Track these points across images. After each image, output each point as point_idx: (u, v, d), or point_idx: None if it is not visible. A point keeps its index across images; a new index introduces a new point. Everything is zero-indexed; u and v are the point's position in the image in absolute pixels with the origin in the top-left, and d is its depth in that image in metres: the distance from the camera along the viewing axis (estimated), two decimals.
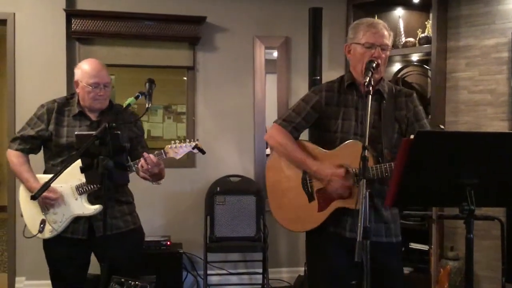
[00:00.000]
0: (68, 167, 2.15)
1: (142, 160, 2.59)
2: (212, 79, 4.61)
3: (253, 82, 4.67)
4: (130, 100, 2.60)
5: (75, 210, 2.69)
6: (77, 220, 2.71)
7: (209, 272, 4.28)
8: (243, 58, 4.66)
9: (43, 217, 2.73)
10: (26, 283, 4.23)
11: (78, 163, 2.47)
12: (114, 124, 2.20)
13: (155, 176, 2.68)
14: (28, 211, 2.80)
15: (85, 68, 2.76)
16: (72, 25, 4.24)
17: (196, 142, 2.66)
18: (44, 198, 2.65)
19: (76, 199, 2.69)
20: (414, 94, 2.49)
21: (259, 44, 4.67)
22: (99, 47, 4.38)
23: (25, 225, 2.83)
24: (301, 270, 4.55)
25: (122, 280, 2.24)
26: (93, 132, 2.27)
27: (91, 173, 2.29)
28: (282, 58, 4.74)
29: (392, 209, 2.44)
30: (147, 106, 2.67)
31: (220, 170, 4.48)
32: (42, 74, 4.24)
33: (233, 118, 4.64)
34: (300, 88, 4.65)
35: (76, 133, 2.65)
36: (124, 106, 2.60)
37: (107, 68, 2.81)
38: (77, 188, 2.69)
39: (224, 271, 4.53)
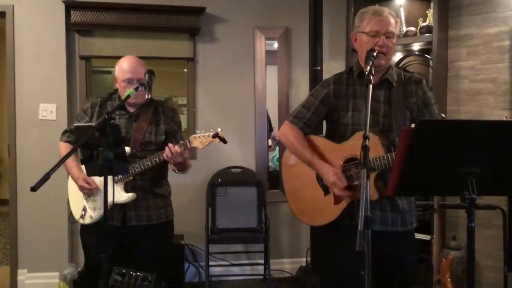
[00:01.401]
0: (67, 158, 2.14)
1: (166, 149, 2.67)
2: (212, 71, 4.59)
3: (253, 73, 4.65)
4: (130, 91, 2.61)
5: (109, 198, 2.75)
6: (113, 207, 2.78)
7: (211, 263, 4.29)
8: (244, 49, 4.63)
9: (85, 204, 2.86)
10: (28, 275, 4.25)
11: None
12: (112, 115, 2.20)
13: (179, 166, 2.79)
14: (73, 198, 2.95)
15: (122, 65, 2.87)
16: (72, 17, 4.22)
17: (217, 131, 2.68)
18: (80, 187, 2.81)
19: (112, 187, 2.74)
20: (424, 81, 2.47)
21: (259, 34, 4.64)
22: (99, 39, 4.36)
23: (70, 212, 2.97)
24: (303, 260, 4.56)
25: (124, 271, 2.24)
26: (92, 124, 2.27)
27: (91, 164, 2.30)
28: (282, 49, 4.71)
29: (408, 197, 2.44)
30: (147, 97, 2.68)
31: (221, 161, 4.47)
32: (42, 66, 4.23)
33: (234, 110, 4.63)
34: (301, 79, 4.64)
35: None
36: (123, 97, 2.61)
37: (143, 64, 2.88)
38: (113, 176, 2.75)
39: (226, 262, 4.54)
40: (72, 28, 4.29)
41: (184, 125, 4.64)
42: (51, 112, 4.22)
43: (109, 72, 6.69)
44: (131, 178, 2.78)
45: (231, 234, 4.25)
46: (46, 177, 1.91)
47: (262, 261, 4.46)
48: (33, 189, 1.88)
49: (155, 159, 2.73)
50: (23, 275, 4.26)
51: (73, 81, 4.35)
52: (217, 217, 4.28)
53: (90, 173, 2.58)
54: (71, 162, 2.84)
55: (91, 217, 2.83)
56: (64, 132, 2.98)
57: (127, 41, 4.40)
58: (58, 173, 2.04)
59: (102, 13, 4.24)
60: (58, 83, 4.25)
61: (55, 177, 2.02)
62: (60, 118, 4.22)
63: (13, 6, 4.18)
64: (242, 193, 4.36)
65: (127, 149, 2.78)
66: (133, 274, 2.23)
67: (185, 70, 4.63)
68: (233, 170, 4.49)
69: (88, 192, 2.82)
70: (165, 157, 2.70)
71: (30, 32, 4.22)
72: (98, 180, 2.78)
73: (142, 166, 2.75)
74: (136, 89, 2.62)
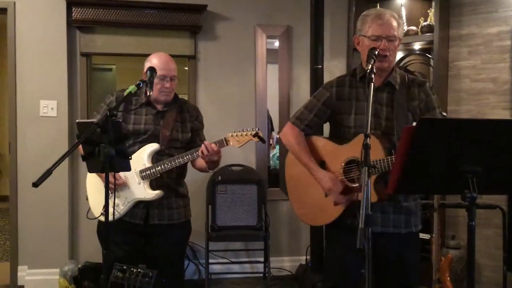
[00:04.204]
0: (69, 154, 2.14)
1: (202, 147, 2.66)
2: (213, 69, 4.59)
3: (254, 71, 4.65)
4: (132, 88, 2.60)
5: (137, 195, 2.77)
6: (136, 205, 2.79)
7: (210, 261, 4.30)
8: (245, 47, 4.63)
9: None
10: (28, 271, 4.25)
11: (146, 148, 2.66)
12: (115, 112, 2.20)
13: (213, 164, 2.76)
14: (93, 194, 2.90)
15: (153, 61, 2.83)
16: (73, 13, 4.22)
17: (257, 130, 2.68)
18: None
19: (139, 184, 2.77)
20: (427, 84, 2.47)
21: (261, 33, 4.64)
22: (100, 36, 4.36)
23: (89, 208, 2.92)
24: (303, 259, 4.56)
25: (125, 267, 2.24)
26: (94, 120, 2.28)
27: (93, 161, 2.29)
28: (283, 47, 4.71)
29: (414, 199, 2.45)
30: (148, 94, 2.68)
31: (222, 159, 4.45)
32: (43, 63, 4.23)
33: (235, 108, 4.63)
34: (302, 77, 4.64)
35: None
36: (125, 94, 2.61)
37: (174, 62, 2.88)
38: (141, 172, 2.76)
39: (225, 260, 4.55)
40: (73, 25, 4.28)
41: None
42: (52, 108, 4.22)
43: (110, 70, 6.72)
44: (159, 175, 2.76)
45: (231, 232, 4.26)
46: (48, 173, 1.90)
47: (262, 259, 4.47)
48: (35, 184, 1.88)
49: (188, 156, 2.72)
50: (23, 272, 4.26)
51: (73, 78, 4.35)
52: (217, 214, 4.28)
53: (91, 169, 2.57)
54: None
55: (113, 214, 2.81)
56: None
57: (128, 39, 4.40)
58: (59, 169, 2.04)
59: (104, 10, 4.24)
60: (59, 79, 4.25)
61: (56, 173, 2.02)
62: (60, 115, 4.23)
63: (14, 3, 4.18)
64: (242, 191, 4.36)
65: (156, 145, 2.78)
66: (134, 270, 2.23)
67: (186, 68, 4.63)
68: (233, 168, 4.49)
69: (117, 187, 2.75)
70: (200, 155, 2.67)
71: (31, 29, 4.22)
72: (124, 175, 2.76)
73: (173, 163, 2.73)
74: (138, 86, 2.61)
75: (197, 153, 2.70)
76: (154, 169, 2.76)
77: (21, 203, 4.23)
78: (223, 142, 2.69)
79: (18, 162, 4.23)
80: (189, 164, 2.96)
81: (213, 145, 2.66)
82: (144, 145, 2.81)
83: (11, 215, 4.29)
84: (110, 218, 2.75)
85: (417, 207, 2.48)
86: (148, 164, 2.77)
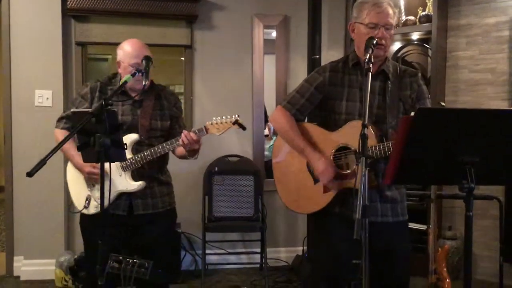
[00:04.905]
0: (64, 143, 2.12)
1: (182, 136, 2.61)
2: (210, 58, 4.56)
3: (251, 61, 4.62)
4: (127, 77, 2.57)
5: (119, 186, 2.73)
6: (119, 196, 2.75)
7: (207, 251, 4.29)
8: (242, 37, 4.60)
9: (89, 193, 2.77)
10: (24, 262, 4.24)
11: (125, 139, 2.60)
12: (110, 102, 2.17)
13: (193, 152, 2.71)
14: (75, 188, 2.85)
15: (127, 49, 2.76)
16: (68, 2, 4.17)
17: (237, 117, 2.63)
18: (88, 174, 2.71)
19: (120, 175, 2.73)
20: (419, 74, 2.48)
21: (258, 22, 4.61)
22: (95, 25, 4.32)
23: (71, 202, 2.88)
24: (299, 249, 4.57)
25: (120, 258, 2.23)
26: (89, 109, 2.25)
27: (88, 151, 2.27)
28: (280, 37, 4.68)
29: (399, 188, 2.44)
30: (144, 83, 2.65)
31: (218, 150, 4.45)
32: (38, 52, 4.19)
33: (231, 98, 4.60)
34: (299, 68, 4.62)
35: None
36: (120, 83, 2.58)
37: (148, 48, 2.80)
38: (122, 164, 2.72)
39: (222, 251, 4.55)
40: (68, 14, 4.24)
41: None
42: (47, 98, 4.19)
43: (105, 59, 6.67)
44: (139, 166, 2.73)
45: (228, 222, 4.25)
46: (42, 163, 1.89)
47: (258, 250, 4.47)
48: (29, 174, 1.86)
49: (168, 146, 2.68)
50: (19, 262, 4.25)
51: (69, 67, 4.32)
52: (214, 205, 4.27)
53: (86, 159, 2.55)
54: (72, 150, 2.70)
55: (96, 206, 2.75)
56: (60, 119, 2.86)
57: (124, 28, 4.36)
58: (55, 159, 2.02)
59: None
60: (54, 69, 4.22)
61: (52, 163, 2.01)
62: (56, 105, 4.20)
63: None
64: (239, 182, 4.35)
65: (135, 136, 2.74)
66: (130, 261, 2.22)
67: (183, 58, 4.60)
68: (230, 158, 4.48)
69: (96, 179, 2.71)
70: (181, 144, 2.63)
71: (26, 18, 4.17)
72: (105, 166, 2.73)
73: (154, 154, 2.68)
74: (133, 75, 2.59)
75: (177, 142, 2.66)
76: (134, 160, 2.71)
77: (16, 193, 4.22)
78: (203, 130, 2.64)
79: (13, 152, 4.21)
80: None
81: (192, 134, 2.61)
82: (123, 136, 2.73)
83: (7, 206, 4.27)
84: (96, 210, 2.73)
85: (402, 196, 2.46)
86: (128, 155, 2.70)
